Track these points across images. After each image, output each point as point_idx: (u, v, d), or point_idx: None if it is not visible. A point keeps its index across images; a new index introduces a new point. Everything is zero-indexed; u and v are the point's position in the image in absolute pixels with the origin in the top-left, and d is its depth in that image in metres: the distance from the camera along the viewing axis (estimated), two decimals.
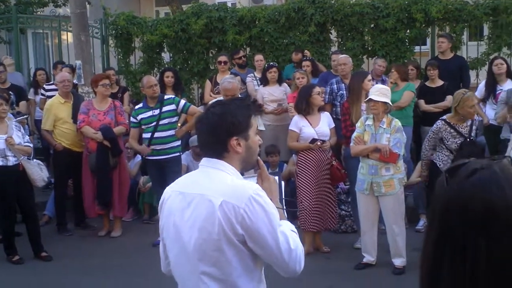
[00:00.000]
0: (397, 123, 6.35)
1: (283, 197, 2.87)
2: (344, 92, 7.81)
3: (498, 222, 1.18)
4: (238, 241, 2.38)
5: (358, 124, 6.49)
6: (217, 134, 2.52)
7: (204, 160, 2.57)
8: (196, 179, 2.55)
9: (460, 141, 6.54)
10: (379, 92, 6.23)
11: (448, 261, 1.22)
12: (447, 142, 6.57)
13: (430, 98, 8.40)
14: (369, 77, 7.05)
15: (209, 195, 2.40)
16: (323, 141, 6.89)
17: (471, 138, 6.55)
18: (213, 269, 2.41)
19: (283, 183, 2.95)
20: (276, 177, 2.86)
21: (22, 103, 9.18)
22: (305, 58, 9.36)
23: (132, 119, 7.64)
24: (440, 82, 8.46)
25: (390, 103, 6.33)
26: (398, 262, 6.39)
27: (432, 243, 1.26)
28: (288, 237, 2.43)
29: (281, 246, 2.40)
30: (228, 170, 2.51)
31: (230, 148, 2.51)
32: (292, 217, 7.95)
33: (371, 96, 6.25)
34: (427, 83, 8.61)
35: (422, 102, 8.47)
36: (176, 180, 2.67)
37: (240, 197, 2.37)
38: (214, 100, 3.09)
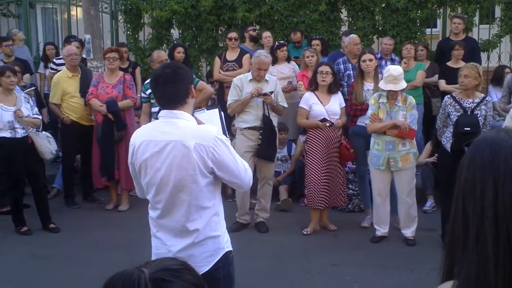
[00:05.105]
0: (412, 100, 6.46)
1: (225, 127, 3.66)
2: (351, 72, 7.83)
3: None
4: (208, 172, 3.10)
5: (372, 102, 6.49)
6: (182, 83, 3.15)
7: (166, 112, 3.17)
8: (163, 129, 3.14)
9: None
10: (395, 79, 6.21)
11: (461, 208, 1.32)
12: (451, 116, 6.39)
13: (451, 79, 8.01)
14: (365, 56, 6.99)
15: (183, 140, 3.05)
16: (332, 123, 6.88)
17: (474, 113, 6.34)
18: (189, 197, 3.13)
19: (222, 113, 3.72)
20: (216, 109, 3.72)
21: (26, 76, 9.15)
22: (315, 37, 9.30)
23: (142, 94, 7.63)
24: (462, 63, 7.91)
25: (405, 84, 6.35)
26: (409, 233, 6.57)
27: (455, 194, 1.35)
28: (242, 161, 3.21)
29: (240, 168, 3.17)
30: (188, 118, 3.15)
31: (190, 94, 3.19)
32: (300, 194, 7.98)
33: (388, 88, 6.25)
34: (449, 64, 8.38)
35: (442, 82, 8.30)
36: (140, 130, 3.33)
37: (207, 138, 3.06)
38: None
